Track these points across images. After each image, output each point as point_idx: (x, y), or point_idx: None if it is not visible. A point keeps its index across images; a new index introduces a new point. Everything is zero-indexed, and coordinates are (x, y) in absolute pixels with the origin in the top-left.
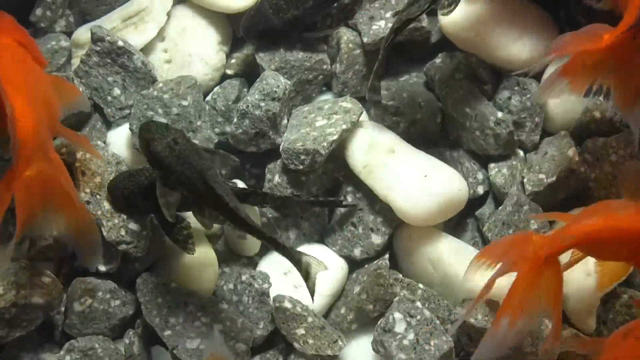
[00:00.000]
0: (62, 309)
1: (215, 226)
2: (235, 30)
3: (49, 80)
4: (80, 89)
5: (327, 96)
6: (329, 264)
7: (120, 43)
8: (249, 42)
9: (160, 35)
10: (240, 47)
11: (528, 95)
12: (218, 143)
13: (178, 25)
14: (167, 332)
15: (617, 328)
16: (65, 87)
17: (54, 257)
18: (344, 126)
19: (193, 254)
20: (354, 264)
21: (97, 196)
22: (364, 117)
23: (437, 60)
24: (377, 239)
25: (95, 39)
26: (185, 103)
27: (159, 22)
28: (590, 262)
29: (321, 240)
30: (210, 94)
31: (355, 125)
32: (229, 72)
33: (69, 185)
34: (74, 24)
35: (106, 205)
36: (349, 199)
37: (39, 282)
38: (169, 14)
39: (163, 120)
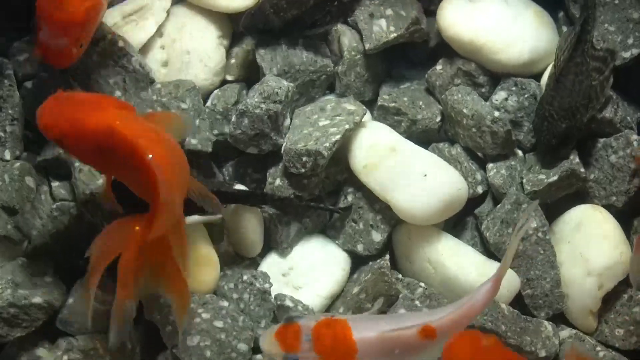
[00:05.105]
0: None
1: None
2: (236, 28)
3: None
4: None
5: (330, 97)
6: (333, 261)
7: (120, 44)
8: (249, 37)
9: (159, 32)
10: (239, 44)
11: (526, 95)
12: (216, 142)
13: (177, 23)
14: (168, 328)
15: (618, 327)
16: (171, 119)
17: (54, 256)
18: (347, 126)
19: None
20: (358, 262)
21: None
22: (367, 118)
23: (438, 67)
24: (377, 237)
25: (97, 37)
26: (184, 106)
27: (159, 19)
28: (590, 261)
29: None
30: (210, 98)
31: (359, 125)
32: (229, 77)
33: (182, 256)
34: None
35: None
36: (350, 198)
37: (40, 282)
38: (168, 12)
39: None
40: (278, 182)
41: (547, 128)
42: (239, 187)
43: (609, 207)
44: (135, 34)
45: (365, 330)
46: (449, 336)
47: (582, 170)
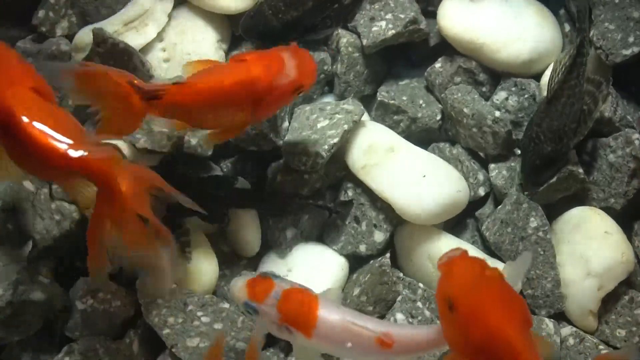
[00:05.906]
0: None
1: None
2: (235, 30)
3: None
4: None
5: (329, 98)
6: (328, 265)
7: (121, 45)
8: (248, 41)
9: (159, 36)
10: (239, 47)
11: (526, 96)
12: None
13: (177, 26)
14: (166, 331)
15: (620, 328)
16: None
17: (53, 256)
18: (345, 127)
19: (189, 262)
20: (357, 262)
21: None
22: (365, 117)
23: (437, 65)
24: (379, 237)
25: (98, 41)
26: None
27: (160, 23)
28: (590, 262)
29: (320, 238)
30: None
31: (357, 125)
32: None
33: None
34: (76, 25)
35: None
36: (350, 193)
37: (37, 281)
38: (169, 16)
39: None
40: (279, 178)
41: (533, 149)
42: (242, 182)
43: (608, 210)
44: (135, 39)
45: (331, 312)
46: (405, 353)
47: (581, 171)
